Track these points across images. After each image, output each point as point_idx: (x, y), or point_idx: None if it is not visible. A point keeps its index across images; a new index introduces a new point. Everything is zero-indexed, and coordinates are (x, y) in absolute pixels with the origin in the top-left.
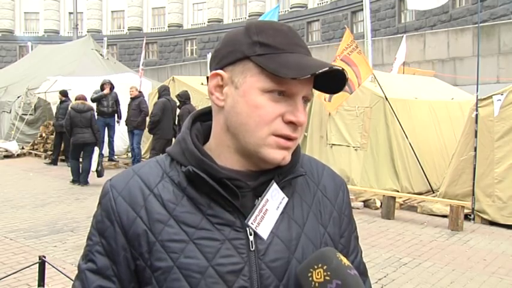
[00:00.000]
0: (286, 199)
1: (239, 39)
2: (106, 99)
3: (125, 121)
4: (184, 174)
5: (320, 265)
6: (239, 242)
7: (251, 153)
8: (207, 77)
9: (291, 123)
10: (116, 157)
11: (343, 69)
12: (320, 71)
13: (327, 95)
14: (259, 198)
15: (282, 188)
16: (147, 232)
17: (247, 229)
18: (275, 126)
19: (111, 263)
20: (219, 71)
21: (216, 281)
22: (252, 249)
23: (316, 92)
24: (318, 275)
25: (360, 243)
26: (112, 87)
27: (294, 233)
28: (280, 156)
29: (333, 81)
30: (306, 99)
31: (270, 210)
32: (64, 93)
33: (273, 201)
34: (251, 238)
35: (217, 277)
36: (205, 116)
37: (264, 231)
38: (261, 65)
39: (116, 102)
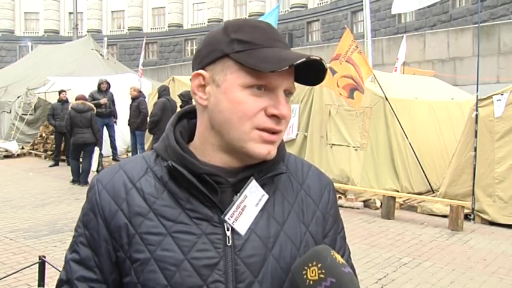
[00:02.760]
0: (266, 196)
1: (218, 38)
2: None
3: (128, 122)
4: (166, 169)
5: (314, 263)
6: (216, 237)
7: (236, 149)
8: (191, 79)
9: (274, 117)
10: (118, 157)
11: (321, 58)
12: (298, 61)
13: (346, 93)
14: (237, 194)
15: (263, 185)
16: (127, 225)
17: (225, 224)
18: (258, 120)
19: (94, 254)
20: (201, 71)
21: (190, 274)
22: (228, 245)
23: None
24: (312, 272)
25: (360, 243)
26: (108, 86)
27: (273, 231)
28: (265, 150)
29: (313, 73)
30: (288, 93)
31: (248, 206)
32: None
33: (252, 197)
34: (228, 233)
35: (192, 270)
36: (193, 113)
37: (242, 227)
38: (240, 61)
39: (112, 102)
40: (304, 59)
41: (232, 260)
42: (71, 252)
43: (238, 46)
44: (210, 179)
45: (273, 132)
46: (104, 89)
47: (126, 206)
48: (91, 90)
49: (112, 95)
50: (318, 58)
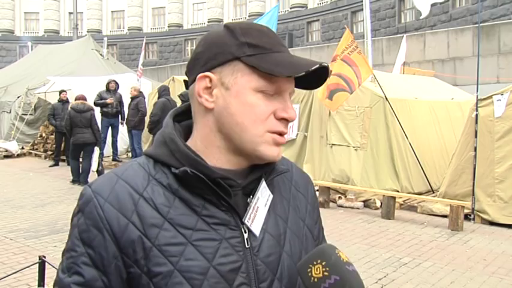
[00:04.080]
0: (271, 196)
1: (225, 41)
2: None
3: (125, 121)
4: (174, 176)
5: (319, 261)
6: (235, 240)
7: (247, 151)
8: (185, 81)
9: (283, 120)
10: (118, 157)
11: (328, 65)
12: (313, 68)
13: (326, 93)
14: (252, 196)
15: (267, 186)
16: (141, 238)
17: (242, 227)
18: (270, 124)
19: (101, 274)
20: (207, 73)
21: (218, 281)
22: (247, 247)
23: (314, 90)
24: (317, 270)
25: (360, 243)
26: (117, 87)
27: (281, 228)
28: (275, 152)
29: (314, 78)
30: (290, 95)
31: (260, 207)
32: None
33: (262, 198)
34: (246, 236)
35: (219, 276)
36: (180, 116)
37: (257, 228)
38: (253, 65)
39: (120, 103)
40: (317, 66)
41: (253, 261)
42: (71, 274)
43: (248, 50)
44: (224, 183)
45: (281, 134)
46: (112, 88)
47: (137, 218)
48: (98, 90)
49: (121, 96)
50: (327, 65)
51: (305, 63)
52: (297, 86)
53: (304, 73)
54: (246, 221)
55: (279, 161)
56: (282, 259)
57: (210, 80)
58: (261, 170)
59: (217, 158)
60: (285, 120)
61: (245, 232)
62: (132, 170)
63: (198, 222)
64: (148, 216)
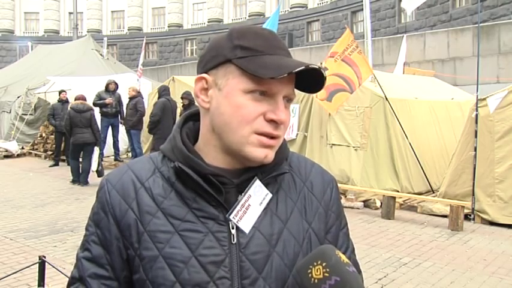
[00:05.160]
0: (270, 195)
1: (222, 44)
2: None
3: (123, 121)
4: (173, 170)
5: (319, 262)
6: (221, 235)
7: (235, 151)
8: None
9: (272, 122)
10: (119, 157)
11: (319, 67)
12: (296, 69)
13: (325, 95)
14: (242, 194)
15: (266, 185)
16: (137, 223)
17: (230, 223)
18: (257, 125)
19: (105, 252)
20: (204, 75)
21: (197, 271)
22: (233, 242)
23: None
24: (317, 271)
25: (360, 243)
26: (116, 87)
27: (276, 228)
28: (262, 154)
29: (313, 80)
30: (288, 99)
31: (252, 205)
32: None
33: (256, 197)
34: (233, 232)
35: (199, 267)
36: (198, 116)
37: (246, 225)
38: (241, 66)
39: (119, 102)
40: (302, 67)
41: (237, 257)
42: (83, 250)
43: (240, 52)
44: (215, 180)
45: (272, 137)
46: (111, 89)
47: (135, 205)
48: (98, 90)
49: (120, 96)
50: (317, 67)
51: (292, 64)
52: (299, 89)
53: (286, 74)
54: (231, 217)
55: (276, 161)
56: (270, 258)
57: (206, 82)
58: (256, 169)
59: (214, 156)
60: (275, 123)
61: (233, 228)
62: (141, 163)
63: (188, 214)
64: (145, 204)
